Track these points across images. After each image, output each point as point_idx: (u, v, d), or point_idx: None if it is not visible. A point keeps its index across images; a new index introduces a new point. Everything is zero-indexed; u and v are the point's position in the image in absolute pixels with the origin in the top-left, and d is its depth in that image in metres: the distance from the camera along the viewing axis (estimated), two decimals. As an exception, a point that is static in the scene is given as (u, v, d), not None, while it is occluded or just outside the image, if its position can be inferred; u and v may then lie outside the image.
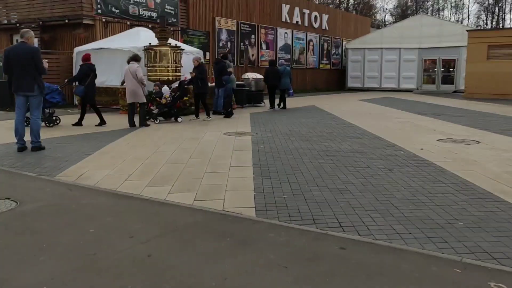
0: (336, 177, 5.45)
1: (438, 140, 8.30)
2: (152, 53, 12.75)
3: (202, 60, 13.55)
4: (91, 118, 10.79)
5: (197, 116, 11.82)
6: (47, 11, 17.07)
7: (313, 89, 28.76)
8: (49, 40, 17.63)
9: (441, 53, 26.97)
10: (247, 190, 4.96)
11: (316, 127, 10.31)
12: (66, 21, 16.56)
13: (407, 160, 6.44)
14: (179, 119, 11.30)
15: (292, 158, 6.70)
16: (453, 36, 25.98)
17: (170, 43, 13.07)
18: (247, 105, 16.28)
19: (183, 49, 13.39)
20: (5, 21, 18.55)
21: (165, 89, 11.67)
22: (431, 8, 67.51)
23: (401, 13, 65.79)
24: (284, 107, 15.81)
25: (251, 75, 16.71)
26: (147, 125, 10.65)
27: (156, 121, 11.07)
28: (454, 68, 26.94)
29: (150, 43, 12.89)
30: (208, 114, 11.84)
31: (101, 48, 14.97)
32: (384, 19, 68.14)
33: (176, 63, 13.03)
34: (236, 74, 21.88)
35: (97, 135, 9.19)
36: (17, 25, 18.01)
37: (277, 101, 15.68)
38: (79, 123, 10.48)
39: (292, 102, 18.73)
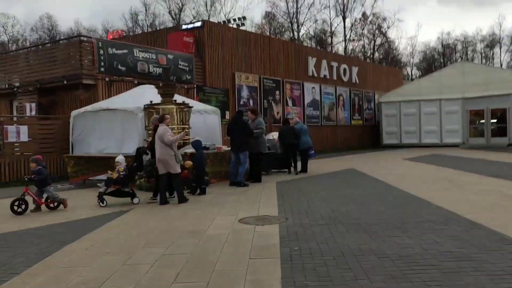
0: None
1: None
2: (154, 113, 10.38)
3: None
4: (76, 199, 8.22)
5: (155, 195, 8.78)
6: (46, 73, 15.27)
7: (346, 148, 25.96)
8: (47, 104, 15.71)
9: (489, 103, 23.94)
10: None
11: (369, 205, 7.40)
12: (65, 82, 14.65)
13: None
14: (135, 200, 8.37)
15: (353, 279, 3.81)
16: (502, 83, 23.07)
17: (175, 100, 10.73)
18: (273, 170, 13.57)
19: (192, 107, 11.00)
20: (5, 86, 16.88)
21: (120, 159, 8.72)
22: (459, 59, 65.23)
23: (427, 67, 63.81)
24: (305, 170, 13.27)
25: (276, 135, 14.11)
26: (186, 200, 8.38)
27: (102, 203, 8.14)
28: (505, 118, 23.74)
29: (151, 101, 10.58)
30: (155, 195, 8.75)
31: (99, 109, 12.83)
32: (411, 73, 66.03)
33: (183, 124, 10.60)
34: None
35: (61, 227, 6.55)
36: (15, 89, 16.29)
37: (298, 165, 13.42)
38: None
39: (325, 164, 15.94)
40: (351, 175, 12.39)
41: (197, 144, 9.94)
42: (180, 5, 49.06)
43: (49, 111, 15.58)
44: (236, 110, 19.09)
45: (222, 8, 50.30)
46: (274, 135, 14.25)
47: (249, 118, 11.72)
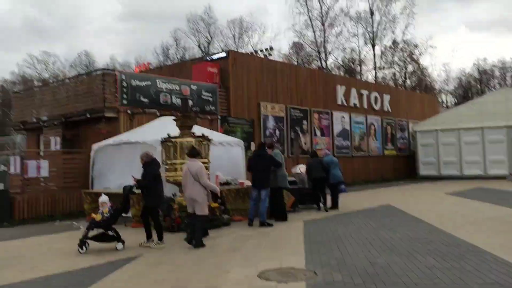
0: None
1: None
2: (172, 147, 9.66)
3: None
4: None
5: (148, 238, 7.78)
6: (70, 106, 14.97)
7: (379, 179, 24.55)
8: (72, 138, 15.33)
9: (537, 131, 22.22)
10: None
11: (414, 255, 6.25)
12: (88, 115, 14.26)
13: None
14: (119, 246, 7.40)
15: None
16: (550, 109, 21.44)
17: (194, 133, 9.99)
18: (300, 206, 12.52)
19: (211, 140, 10.22)
20: (32, 119, 16.68)
21: (105, 199, 7.74)
22: (497, 86, 62.75)
23: (463, 94, 61.65)
24: (336, 207, 12.25)
25: (304, 168, 13.12)
26: (204, 245, 7.42)
27: (82, 249, 7.22)
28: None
29: (168, 134, 9.88)
30: (160, 238, 7.70)
31: (120, 142, 12.27)
32: (446, 100, 63.89)
33: (202, 159, 9.78)
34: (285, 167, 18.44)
35: (58, 279, 5.74)
36: (41, 123, 16.05)
37: (328, 201, 12.32)
38: None
39: (357, 198, 14.76)
40: (387, 213, 11.18)
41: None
42: (209, 38, 49.66)
43: (74, 145, 15.19)
44: (262, 141, 18.30)
45: (249, 39, 50.45)
46: (301, 168, 13.26)
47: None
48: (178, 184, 9.46)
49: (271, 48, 36.70)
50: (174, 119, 10.14)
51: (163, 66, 20.78)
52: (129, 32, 68.00)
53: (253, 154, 9.98)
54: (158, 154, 10.92)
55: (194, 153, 8.07)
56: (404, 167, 27.01)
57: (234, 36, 49.50)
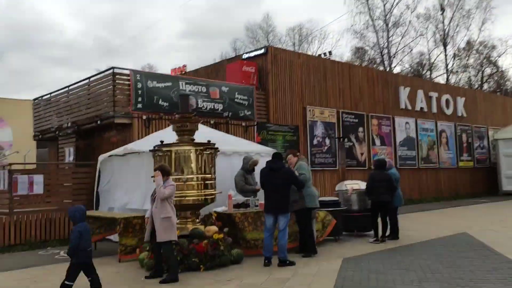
0: None
1: None
2: (163, 158, 7.39)
3: None
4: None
5: None
6: (82, 113, 13.36)
7: (452, 196, 20.83)
8: (84, 148, 13.70)
9: None
10: None
11: None
12: (98, 122, 12.52)
13: None
14: None
15: None
16: None
17: (193, 139, 7.67)
18: (345, 233, 9.74)
19: (217, 148, 7.81)
20: (53, 128, 15.27)
21: None
22: None
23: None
24: (397, 235, 9.26)
25: (351, 184, 10.28)
26: (176, 280, 6.15)
27: None
28: None
29: (162, 141, 7.64)
30: None
31: (125, 152, 10.31)
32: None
33: (205, 174, 7.42)
34: (321, 183, 15.44)
35: None
36: (56, 132, 14.62)
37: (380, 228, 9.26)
38: None
39: (422, 221, 11.62)
40: (465, 248, 8.07)
41: (75, 212, 5.74)
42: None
43: (88, 156, 13.52)
44: (309, 152, 15.67)
45: (309, 46, 47.86)
46: (349, 184, 10.42)
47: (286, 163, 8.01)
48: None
49: (329, 53, 34.03)
50: (167, 119, 7.93)
51: (199, 68, 18.72)
52: (191, 48, 68.74)
53: (264, 168, 7.41)
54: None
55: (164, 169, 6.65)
56: (483, 182, 23.00)
57: (294, 44, 47.29)
